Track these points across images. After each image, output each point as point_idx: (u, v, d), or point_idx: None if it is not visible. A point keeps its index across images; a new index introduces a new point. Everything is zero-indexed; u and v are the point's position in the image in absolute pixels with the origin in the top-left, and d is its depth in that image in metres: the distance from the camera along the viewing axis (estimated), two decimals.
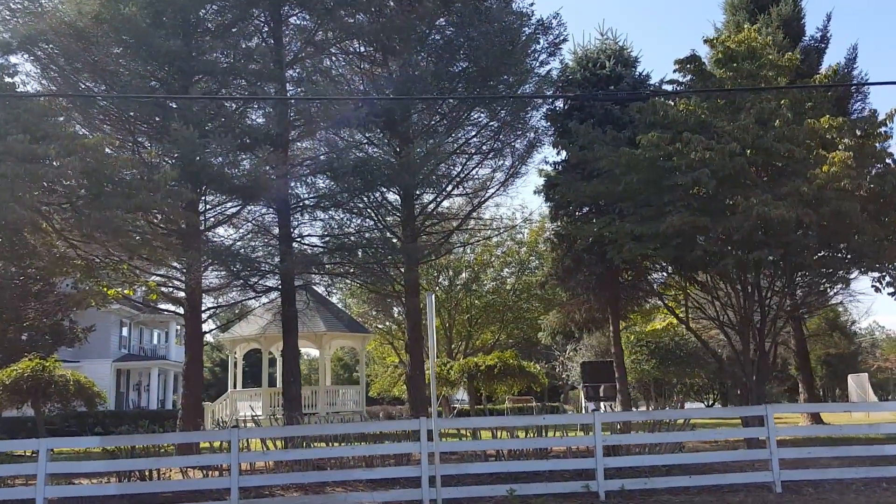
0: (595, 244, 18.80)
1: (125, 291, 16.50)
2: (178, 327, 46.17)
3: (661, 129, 15.09)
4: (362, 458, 12.68)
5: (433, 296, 10.00)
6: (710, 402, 50.10)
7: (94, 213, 11.47)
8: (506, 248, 30.66)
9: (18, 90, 14.19)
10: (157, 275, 17.22)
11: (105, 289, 15.61)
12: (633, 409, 27.66)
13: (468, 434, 15.35)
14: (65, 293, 24.56)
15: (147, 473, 12.19)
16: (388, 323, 34.63)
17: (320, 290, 26.80)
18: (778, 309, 16.72)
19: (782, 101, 15.50)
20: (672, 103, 16.04)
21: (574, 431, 14.07)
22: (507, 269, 31.42)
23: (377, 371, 54.94)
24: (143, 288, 17.03)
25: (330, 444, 12.94)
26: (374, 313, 34.41)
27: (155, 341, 45.39)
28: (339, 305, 29.76)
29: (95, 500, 11.45)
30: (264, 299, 21.45)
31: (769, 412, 12.24)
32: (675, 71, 17.15)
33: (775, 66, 16.80)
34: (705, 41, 18.12)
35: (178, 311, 18.26)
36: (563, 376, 40.32)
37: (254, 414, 23.21)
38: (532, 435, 13.43)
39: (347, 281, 26.36)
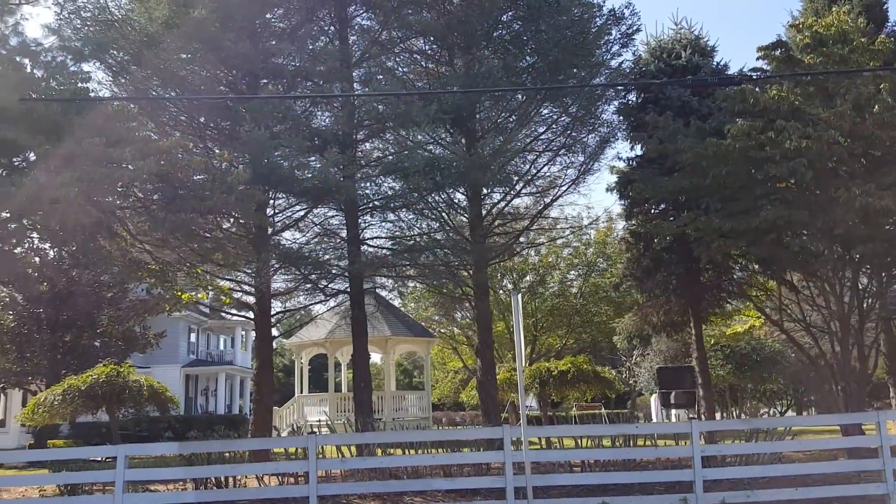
0: (675, 243, 17.98)
1: (198, 296, 16.41)
2: (244, 333, 46.72)
3: (749, 117, 14.20)
4: (440, 466, 12.22)
5: (520, 295, 9.44)
6: (784, 409, 48.18)
7: (170, 216, 11.28)
8: (572, 250, 29.83)
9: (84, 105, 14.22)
10: (228, 279, 17.11)
11: (179, 293, 15.54)
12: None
13: (543, 442, 14.75)
14: (138, 299, 24.91)
15: (223, 480, 11.95)
16: (451, 327, 34.17)
17: (384, 293, 26.61)
18: (880, 309, 15.58)
19: (882, 86, 14.42)
20: (758, 90, 15.11)
21: (664, 441, 13.28)
22: (573, 272, 30.55)
23: (437, 376, 54.51)
24: (213, 292, 16.89)
25: (406, 452, 12.51)
26: (436, 318, 34.01)
27: (222, 347, 45.97)
28: (402, 310, 29.41)
29: None
30: (332, 303, 21.28)
31: (882, 419, 11.27)
32: (758, 58, 16.25)
33: (867, 51, 15.71)
34: (791, 26, 17.17)
35: (248, 315, 18.15)
36: (631, 382, 39.14)
37: (323, 420, 23.02)
38: (619, 444, 12.74)
39: (414, 284, 26.09)
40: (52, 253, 23.39)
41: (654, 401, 46.53)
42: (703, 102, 18.83)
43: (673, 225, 16.80)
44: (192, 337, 41.30)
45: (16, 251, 12.74)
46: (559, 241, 26.57)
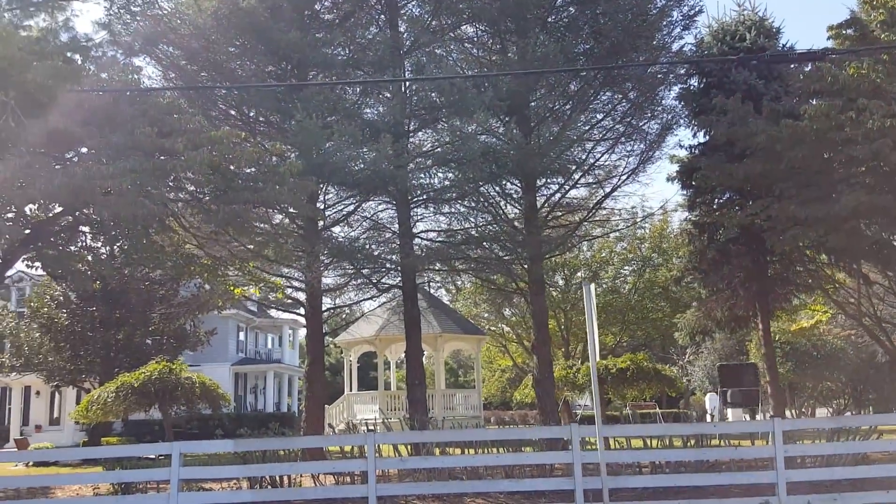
0: (743, 233, 17.14)
1: (251, 290, 16.16)
2: (291, 331, 46.82)
3: (827, 97, 13.34)
4: (501, 467, 11.70)
5: (592, 285, 8.85)
6: (842, 409, 46.57)
7: (223, 207, 10.95)
8: (626, 245, 28.95)
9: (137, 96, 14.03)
10: (278, 276, 16.83)
11: (231, 288, 15.29)
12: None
13: (609, 443, 14.04)
14: (189, 297, 24.92)
15: (278, 479, 11.60)
16: (500, 325, 33.56)
17: (433, 291, 26.12)
18: None
19: None
20: (835, 69, 14.21)
21: (733, 442, 12.47)
22: (627, 267, 29.65)
23: (483, 375, 53.93)
24: (263, 288, 16.61)
25: (465, 451, 11.99)
26: (485, 315, 33.43)
27: (269, 345, 46.12)
28: (451, 307, 28.90)
29: None
30: (382, 299, 20.85)
31: None
32: (828, 38, 15.34)
33: None
34: (864, 2, 16.12)
35: (298, 312, 17.88)
36: (685, 381, 38.07)
37: (373, 418, 22.67)
38: (690, 444, 12.02)
39: (464, 281, 25.59)
40: (104, 251, 23.63)
41: (708, 399, 45.21)
42: (769, 86, 17.91)
43: (741, 214, 15.98)
44: (241, 335, 41.48)
45: (70, 248, 12.59)
46: (615, 235, 25.70)
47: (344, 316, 28.17)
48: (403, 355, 34.38)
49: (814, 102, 13.27)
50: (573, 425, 10.45)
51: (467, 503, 11.45)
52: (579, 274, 30.18)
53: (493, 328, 32.83)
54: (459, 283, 26.14)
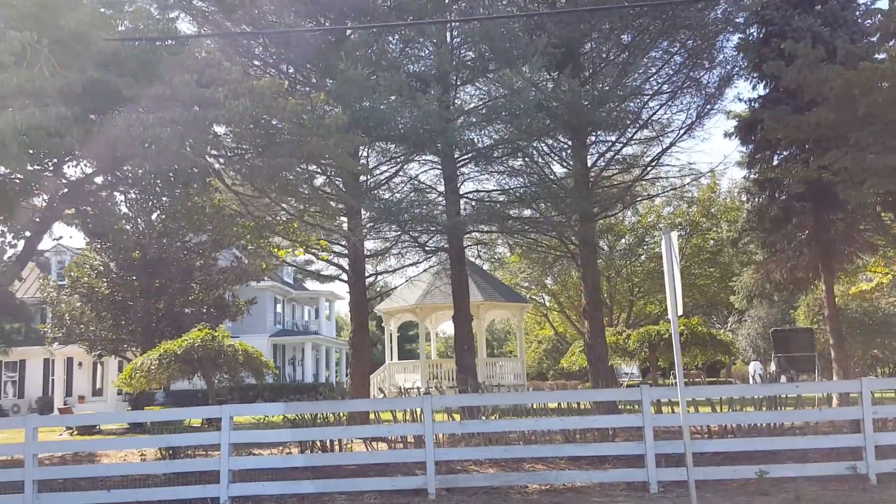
0: (808, 189, 16.17)
1: (295, 253, 15.66)
2: (328, 303, 46.64)
3: None
4: (559, 432, 11.11)
5: (674, 234, 8.10)
6: (889, 376, 45.37)
7: (267, 161, 10.38)
8: (673, 209, 27.95)
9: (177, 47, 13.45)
10: (322, 238, 16.29)
11: (275, 250, 14.80)
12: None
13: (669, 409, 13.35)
14: (228, 266, 24.61)
15: (328, 444, 11.15)
16: (540, 294, 32.86)
17: (473, 259, 25.46)
18: None
19: None
20: None
21: (813, 405, 11.73)
22: (674, 232, 28.58)
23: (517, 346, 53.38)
24: (306, 249, 16.06)
25: (521, 416, 11.40)
26: (524, 284, 32.76)
27: (306, 317, 46.06)
28: (493, 275, 28.21)
29: (278, 472, 10.49)
30: (424, 265, 20.30)
31: None
32: None
33: None
34: None
35: (341, 277, 17.38)
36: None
37: (416, 386, 22.24)
38: (763, 408, 11.30)
39: (504, 248, 24.86)
40: (141, 223, 23.38)
41: (752, 368, 44.19)
42: (835, 34, 16.77)
43: (808, 168, 15.02)
44: (278, 307, 41.39)
45: (109, 205, 12.17)
46: (665, 197, 24.67)
47: (379, 288, 27.72)
48: (443, 325, 33.83)
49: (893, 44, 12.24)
50: (644, 387, 9.77)
51: (525, 468, 10.89)
52: (622, 241, 29.29)
53: (533, 297, 32.12)
54: (499, 252, 25.42)
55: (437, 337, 29.47)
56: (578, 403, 11.50)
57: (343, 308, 79.04)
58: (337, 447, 11.25)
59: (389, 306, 25.14)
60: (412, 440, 11.15)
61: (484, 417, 11.44)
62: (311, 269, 18.71)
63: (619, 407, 14.21)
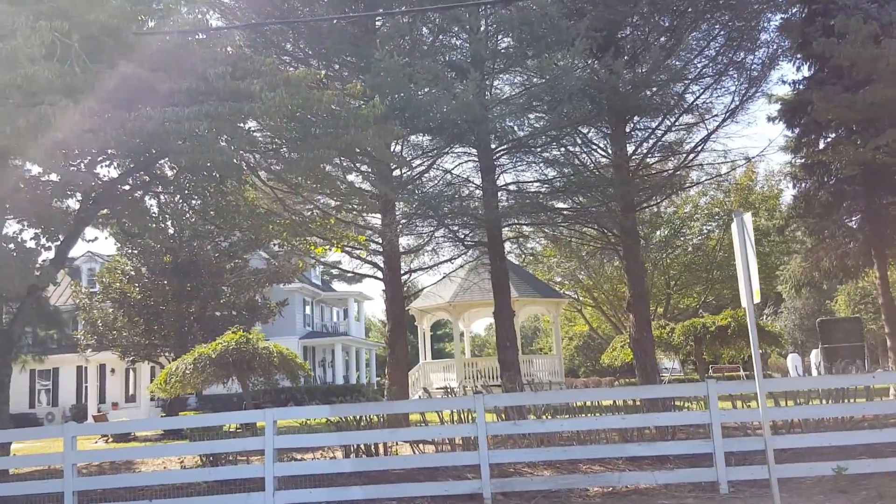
0: (860, 172, 15.53)
1: (332, 250, 15.28)
2: (356, 304, 46.35)
3: None
4: (616, 431, 10.59)
5: (748, 215, 7.54)
6: None
7: (305, 154, 9.97)
8: (710, 199, 27.18)
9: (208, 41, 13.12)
10: (359, 234, 15.89)
11: (312, 247, 14.42)
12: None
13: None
14: (260, 268, 24.34)
15: (373, 447, 10.73)
16: (573, 289, 32.23)
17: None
18: None
19: None
20: None
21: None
22: (711, 223, 27.87)
23: (550, 343, 52.57)
24: (343, 246, 15.66)
25: (574, 416, 10.89)
26: (557, 280, 32.16)
27: (335, 319, 45.80)
28: (527, 270, 27.64)
29: (324, 478, 10.08)
30: (459, 261, 19.80)
31: None
32: None
33: None
34: None
35: (376, 276, 16.99)
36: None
37: (449, 386, 21.78)
38: (829, 401, 10.68)
39: (537, 243, 24.29)
40: (173, 226, 23.16)
41: (790, 360, 43.14)
42: (883, 10, 16.08)
43: (862, 149, 14.37)
44: (307, 309, 41.14)
45: (144, 204, 11.86)
46: (703, 186, 23.90)
47: (409, 287, 27.23)
48: (476, 324, 33.16)
49: None
50: (709, 382, 9.21)
51: (582, 470, 10.38)
52: (658, 232, 28.58)
53: (567, 293, 31.50)
54: (530, 247, 24.87)
55: (468, 335, 29.00)
56: (634, 401, 10.95)
57: (371, 309, 78.92)
58: (381, 450, 10.85)
59: (423, 304, 24.71)
60: (459, 442, 10.70)
61: (533, 416, 10.96)
62: (345, 269, 18.35)
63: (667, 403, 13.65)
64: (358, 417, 10.50)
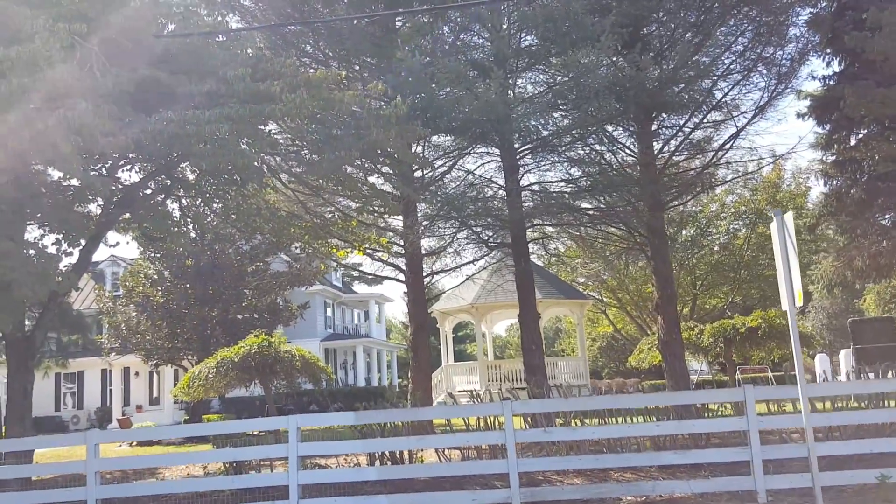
0: (893, 169, 15.04)
1: (354, 253, 15.12)
2: (377, 306, 46.29)
3: None
4: (649, 438, 10.31)
5: (787, 214, 7.24)
6: None
7: (327, 155, 9.79)
8: (737, 197, 26.68)
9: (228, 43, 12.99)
10: (381, 236, 15.72)
11: (334, 250, 14.26)
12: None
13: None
14: (282, 271, 24.27)
15: (398, 455, 10.52)
16: (598, 290, 31.83)
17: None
18: None
19: None
20: None
21: None
22: (738, 221, 27.36)
23: (572, 344, 52.05)
24: (365, 248, 15.49)
25: (605, 421, 10.59)
26: (580, 280, 31.80)
27: (356, 321, 45.73)
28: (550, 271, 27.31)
29: (349, 486, 9.89)
30: (482, 262, 19.56)
31: None
32: None
33: None
34: None
35: (398, 278, 16.81)
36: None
37: (471, 389, 21.51)
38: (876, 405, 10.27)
39: (559, 243, 23.98)
40: (195, 230, 23.14)
41: (818, 361, 42.34)
42: None
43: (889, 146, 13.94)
44: (328, 311, 41.12)
45: (165, 207, 11.74)
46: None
47: (428, 288, 27.02)
48: (497, 326, 32.78)
49: None
50: (747, 386, 8.90)
51: (613, 477, 10.10)
52: (683, 232, 28.13)
53: (590, 294, 31.12)
54: (553, 247, 24.55)
55: (488, 338, 28.71)
56: (667, 406, 10.63)
57: (391, 311, 78.81)
58: (406, 457, 10.64)
59: (445, 307, 24.49)
60: (486, 449, 10.46)
61: (560, 422, 10.68)
62: (366, 271, 18.18)
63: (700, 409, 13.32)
64: (382, 424, 10.30)
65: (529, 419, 11.12)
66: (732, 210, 27.10)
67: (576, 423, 10.46)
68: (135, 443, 20.42)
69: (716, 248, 27.62)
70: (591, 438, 9.51)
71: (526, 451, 10.92)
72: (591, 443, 10.42)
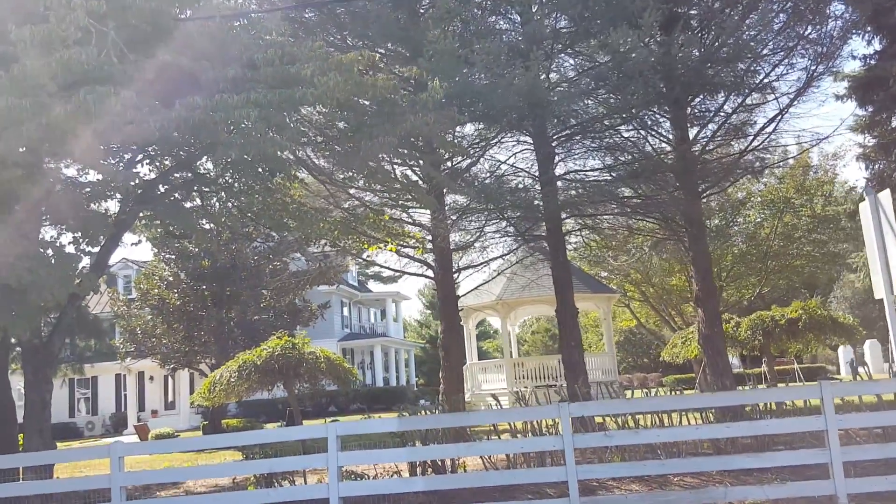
0: None
1: (387, 248, 14.46)
2: (394, 305, 45.66)
3: None
4: (709, 441, 9.65)
5: (883, 193, 6.53)
6: None
7: (364, 142, 9.12)
8: (763, 185, 25.83)
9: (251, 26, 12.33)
10: (413, 232, 15.06)
11: (365, 245, 13.61)
12: None
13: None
14: (301, 270, 23.64)
15: (439, 462, 9.86)
16: (623, 284, 31.03)
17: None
18: None
19: None
20: None
21: None
22: (765, 210, 26.50)
23: (592, 339, 51.24)
24: (397, 245, 14.84)
25: (661, 420, 9.91)
26: (603, 274, 31.04)
27: (373, 320, 45.13)
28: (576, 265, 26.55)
29: (390, 496, 9.23)
30: (510, 258, 18.86)
31: None
32: None
33: None
34: None
35: (427, 274, 16.15)
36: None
37: (498, 388, 20.89)
38: None
39: (585, 235, 23.24)
40: (214, 228, 22.52)
41: (841, 353, 41.51)
42: None
43: None
44: (345, 311, 40.53)
45: (186, 204, 11.11)
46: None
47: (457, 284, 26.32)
48: (521, 323, 31.95)
49: None
50: (824, 382, 8.19)
51: (673, 482, 9.42)
52: (708, 222, 27.30)
53: (615, 287, 30.34)
54: (574, 241, 23.81)
55: (512, 335, 28.02)
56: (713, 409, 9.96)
57: (407, 309, 78.14)
58: (449, 465, 9.99)
59: (469, 303, 23.79)
60: (533, 455, 9.80)
61: (613, 425, 10.00)
62: (393, 268, 17.54)
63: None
64: (424, 431, 9.63)
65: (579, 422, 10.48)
66: (758, 199, 26.27)
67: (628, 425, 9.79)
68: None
69: (742, 239, 26.79)
70: (653, 442, 8.83)
71: (579, 456, 10.27)
72: (645, 447, 9.79)
